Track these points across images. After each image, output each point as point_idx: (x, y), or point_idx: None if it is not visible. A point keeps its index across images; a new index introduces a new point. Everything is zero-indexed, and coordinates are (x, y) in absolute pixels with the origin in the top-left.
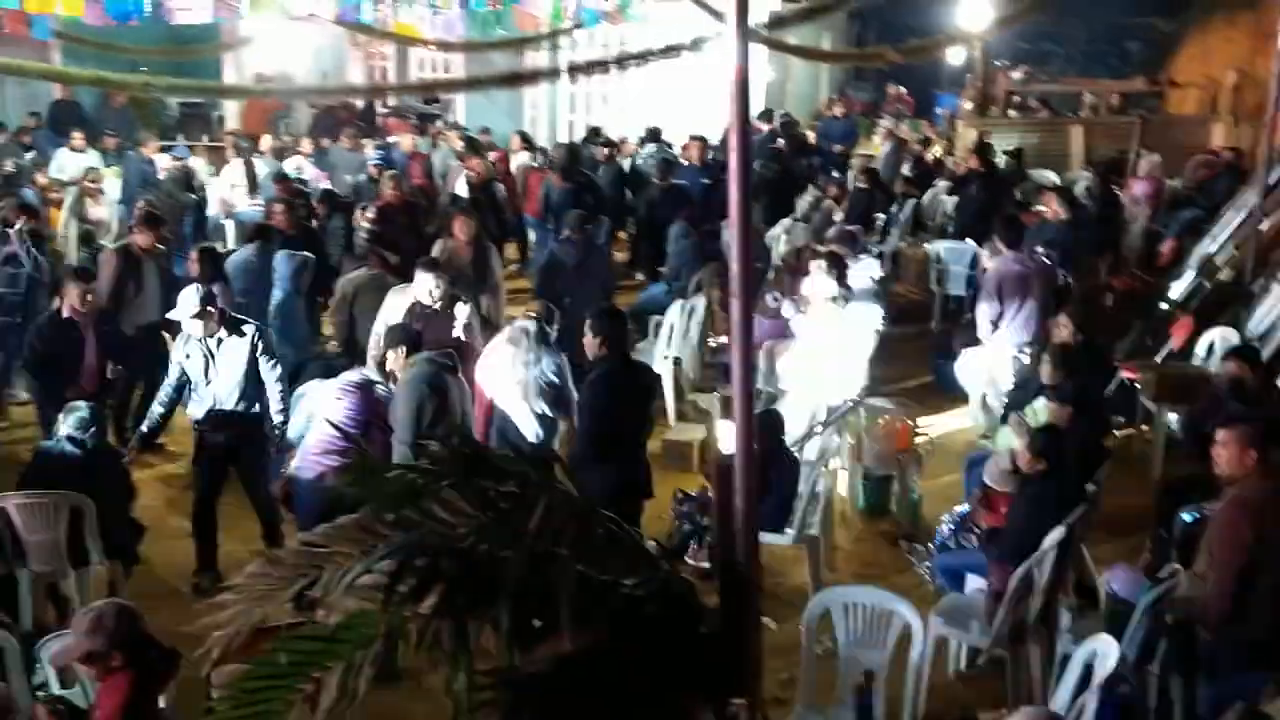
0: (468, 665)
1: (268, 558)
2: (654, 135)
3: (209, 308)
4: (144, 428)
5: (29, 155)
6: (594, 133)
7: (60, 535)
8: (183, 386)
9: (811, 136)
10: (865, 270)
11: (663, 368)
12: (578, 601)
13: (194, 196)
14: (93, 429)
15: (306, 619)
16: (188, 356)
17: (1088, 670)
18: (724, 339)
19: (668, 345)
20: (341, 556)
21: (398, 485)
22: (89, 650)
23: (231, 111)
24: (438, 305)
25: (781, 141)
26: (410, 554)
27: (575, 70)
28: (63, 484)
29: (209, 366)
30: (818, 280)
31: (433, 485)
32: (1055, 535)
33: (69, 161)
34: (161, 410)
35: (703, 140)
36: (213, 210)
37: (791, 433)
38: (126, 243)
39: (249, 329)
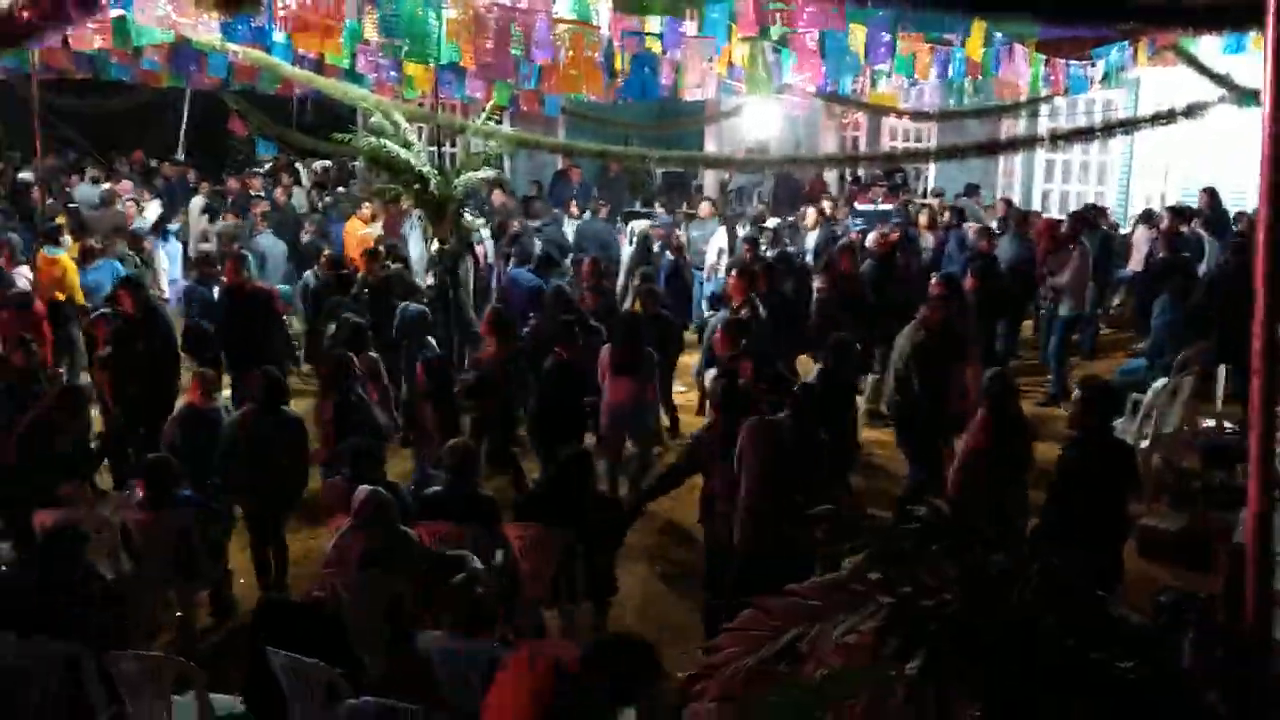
0: None
1: (759, 606)
2: (1146, 216)
3: None
4: None
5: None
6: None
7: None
8: None
9: None
10: None
11: (1139, 449)
12: (1065, 678)
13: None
14: None
15: (793, 668)
16: None
17: None
18: (1209, 422)
19: (1146, 425)
20: (830, 611)
21: (884, 546)
22: None
23: (709, 181)
24: None
25: None
26: (896, 615)
27: (1059, 138)
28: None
29: None
30: None
31: (922, 549)
32: None
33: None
34: None
35: (1183, 211)
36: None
37: None
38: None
39: None
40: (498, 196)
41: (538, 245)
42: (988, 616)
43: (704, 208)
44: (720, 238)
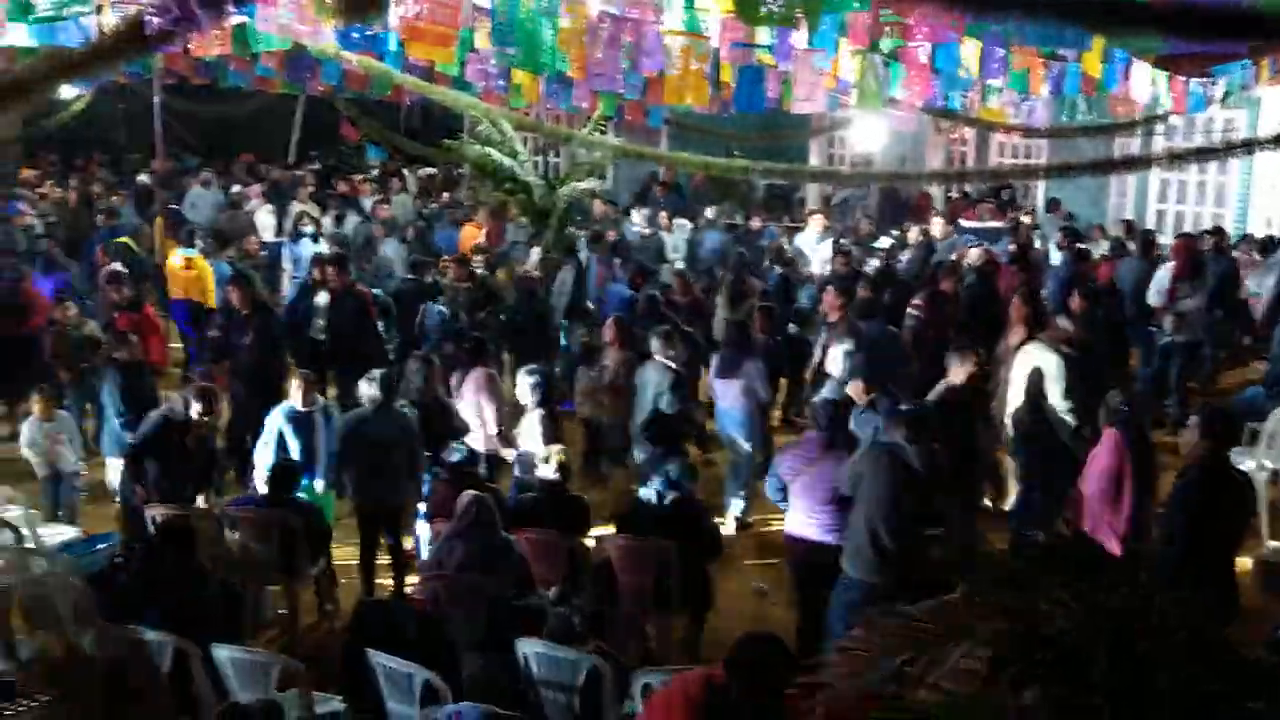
0: None
1: (870, 625)
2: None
3: None
4: None
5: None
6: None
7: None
8: None
9: None
10: None
11: (1257, 479)
12: (1187, 713)
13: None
14: None
15: (902, 692)
16: None
17: None
18: None
19: (1265, 454)
20: (944, 635)
21: (1002, 572)
22: None
23: (812, 193)
24: None
25: None
26: (1013, 643)
27: (1178, 158)
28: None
29: None
30: None
31: (1038, 576)
32: None
33: (669, 240)
34: None
35: None
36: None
37: None
38: None
39: None
40: (599, 206)
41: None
42: (1110, 649)
43: (815, 221)
44: (826, 251)
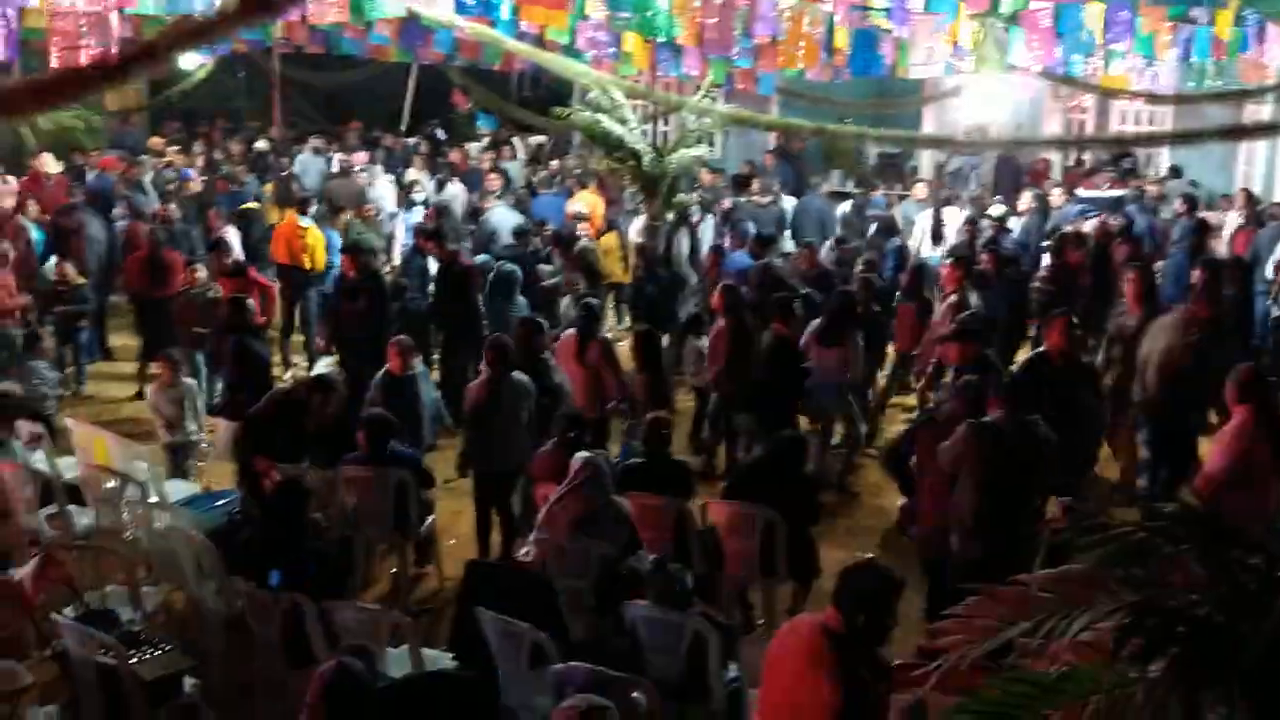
0: None
1: (988, 594)
2: None
3: None
4: None
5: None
6: None
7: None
8: None
9: None
10: None
11: None
12: None
13: (896, 242)
14: None
15: (1020, 663)
16: None
17: None
18: None
19: None
20: (1064, 605)
21: (1128, 543)
22: None
23: (925, 162)
24: None
25: None
26: (1140, 615)
27: None
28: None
29: None
30: None
31: (1166, 547)
32: None
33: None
34: None
35: None
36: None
37: None
38: None
39: None
40: (705, 175)
41: (751, 225)
42: (1250, 622)
43: (918, 189)
44: (926, 220)
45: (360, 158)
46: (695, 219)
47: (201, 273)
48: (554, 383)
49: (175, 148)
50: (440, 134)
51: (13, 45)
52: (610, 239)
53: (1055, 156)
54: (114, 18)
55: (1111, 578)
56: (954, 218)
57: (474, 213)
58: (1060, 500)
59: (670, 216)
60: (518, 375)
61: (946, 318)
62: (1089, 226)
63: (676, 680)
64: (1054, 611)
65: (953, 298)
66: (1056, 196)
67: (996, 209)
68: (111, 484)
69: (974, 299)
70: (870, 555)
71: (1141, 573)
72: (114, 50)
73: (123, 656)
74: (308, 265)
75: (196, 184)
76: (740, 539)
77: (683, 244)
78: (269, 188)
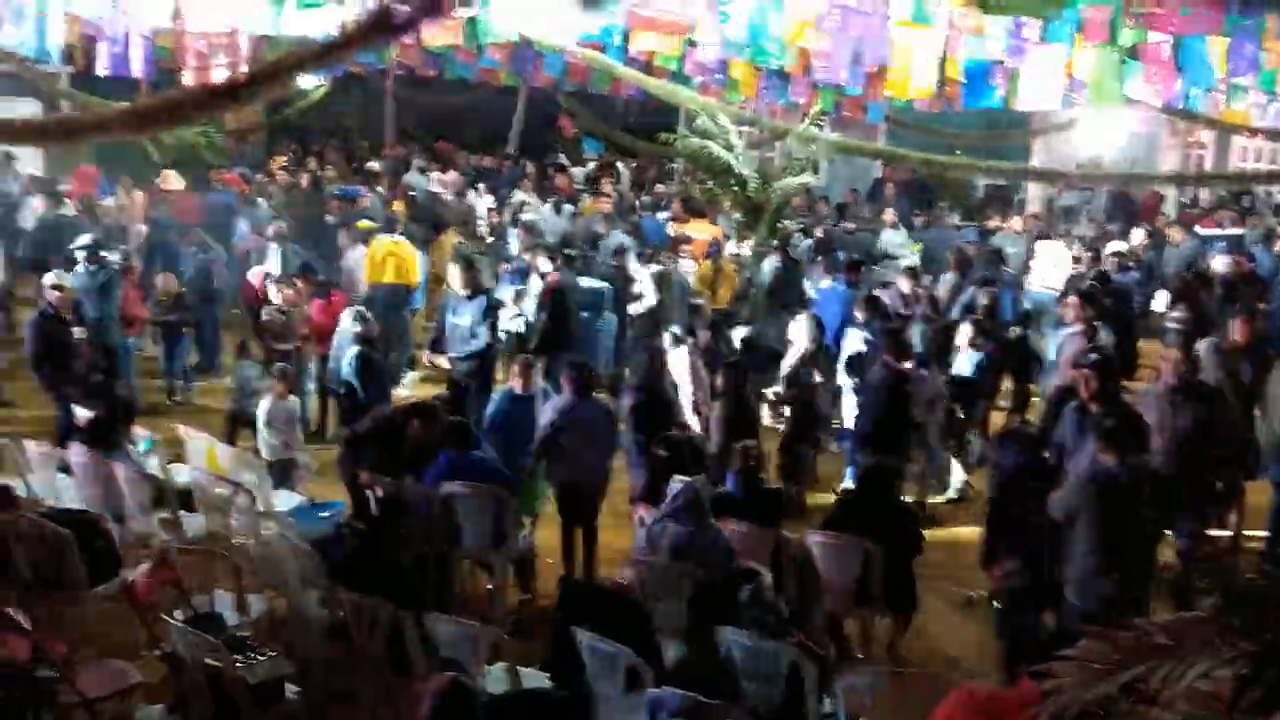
0: None
1: (1099, 635)
2: None
3: None
4: None
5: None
6: None
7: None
8: None
9: None
10: None
11: None
12: None
13: (1010, 272)
14: None
15: (1135, 709)
16: None
17: None
18: None
19: None
20: (1181, 651)
21: (1249, 589)
22: None
23: (1034, 194)
24: None
25: None
26: (1260, 665)
27: None
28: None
29: None
30: None
31: None
32: None
33: (890, 238)
34: None
35: None
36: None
37: None
38: None
39: None
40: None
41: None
42: None
43: (1014, 222)
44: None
45: (451, 179)
46: (795, 247)
47: (290, 291)
48: (671, 410)
49: (282, 169)
50: (563, 159)
51: (149, 64)
52: (711, 265)
53: (1170, 192)
54: (244, 39)
55: (1230, 625)
56: (1051, 252)
57: (590, 237)
58: (1180, 538)
59: (774, 244)
60: (599, 397)
61: (1071, 350)
62: (1218, 265)
63: (771, 710)
64: (1170, 657)
65: (1078, 328)
66: (1176, 233)
67: (1118, 244)
68: (222, 491)
69: (1104, 335)
70: (974, 594)
71: (1264, 620)
72: (243, 70)
73: (229, 660)
74: (411, 282)
75: (367, 200)
76: (837, 570)
77: (770, 267)
78: (398, 205)
